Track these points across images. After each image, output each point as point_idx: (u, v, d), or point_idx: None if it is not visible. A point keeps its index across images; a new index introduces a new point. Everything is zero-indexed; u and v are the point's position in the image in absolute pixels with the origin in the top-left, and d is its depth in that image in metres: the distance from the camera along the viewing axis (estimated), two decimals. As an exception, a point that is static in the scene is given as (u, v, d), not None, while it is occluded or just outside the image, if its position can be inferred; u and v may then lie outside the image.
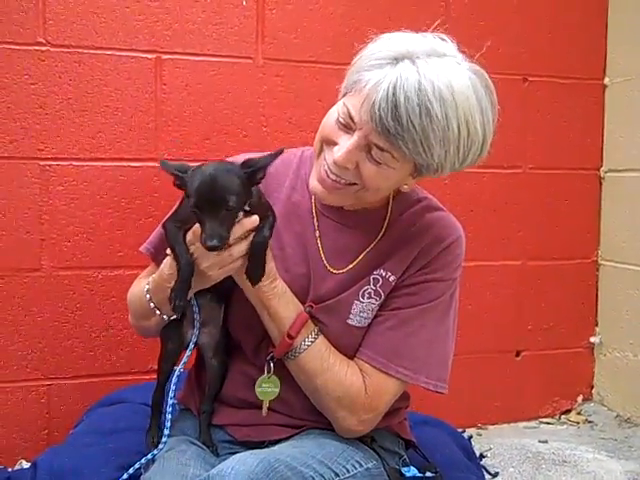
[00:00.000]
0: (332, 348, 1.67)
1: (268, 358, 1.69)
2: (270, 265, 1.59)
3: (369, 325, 1.70)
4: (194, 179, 1.47)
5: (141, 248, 1.83)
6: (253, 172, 1.50)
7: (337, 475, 1.57)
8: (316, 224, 1.74)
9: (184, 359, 1.72)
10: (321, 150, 1.62)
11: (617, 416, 3.27)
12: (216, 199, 1.44)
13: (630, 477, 2.66)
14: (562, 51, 3.17)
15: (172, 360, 1.78)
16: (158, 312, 1.67)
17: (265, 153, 1.54)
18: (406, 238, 1.71)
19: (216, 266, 1.54)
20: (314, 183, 1.62)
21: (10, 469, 2.41)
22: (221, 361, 1.79)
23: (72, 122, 2.47)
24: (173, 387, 1.71)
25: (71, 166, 2.48)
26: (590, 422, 3.27)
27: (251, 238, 1.54)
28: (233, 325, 1.77)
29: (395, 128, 1.44)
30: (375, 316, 1.70)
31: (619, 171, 3.29)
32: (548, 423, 3.27)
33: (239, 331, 1.76)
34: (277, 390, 1.69)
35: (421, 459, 1.88)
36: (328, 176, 1.58)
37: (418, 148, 1.47)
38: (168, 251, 1.60)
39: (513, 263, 3.17)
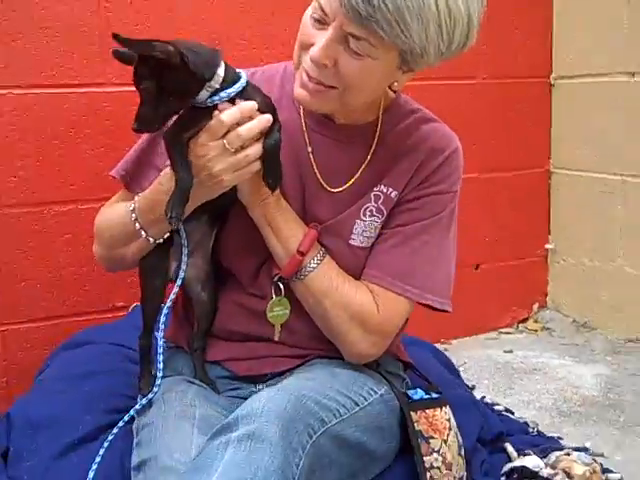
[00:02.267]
0: (339, 268, 1.60)
1: (275, 280, 1.61)
2: None
3: (372, 245, 1.64)
4: None
5: (112, 172, 1.69)
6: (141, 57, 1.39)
7: (357, 404, 1.52)
8: (307, 140, 1.63)
9: (172, 295, 1.60)
10: (299, 60, 1.51)
11: (574, 321, 3.35)
12: (135, 83, 1.41)
13: (601, 380, 2.74)
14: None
15: (159, 298, 1.64)
16: (144, 234, 1.54)
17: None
18: (403, 151, 1.63)
19: (231, 169, 1.44)
20: (297, 90, 1.52)
21: (-32, 421, 2.26)
22: (211, 293, 1.68)
23: (7, 46, 2.24)
24: (162, 326, 1.60)
25: (11, 95, 2.27)
26: (548, 329, 3.34)
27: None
28: (226, 251, 1.66)
29: (366, 10, 1.32)
30: (378, 235, 1.63)
31: (568, 77, 3.27)
32: (508, 333, 3.33)
33: (234, 257, 1.65)
34: (288, 312, 1.63)
35: (419, 380, 1.85)
36: (310, 80, 1.47)
37: (395, 29, 1.35)
38: (167, 162, 1.49)
39: (468, 176, 3.11)
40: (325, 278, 1.57)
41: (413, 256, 1.61)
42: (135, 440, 1.55)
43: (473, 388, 2.59)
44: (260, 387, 1.66)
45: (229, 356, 1.69)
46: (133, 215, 1.54)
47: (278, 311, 1.62)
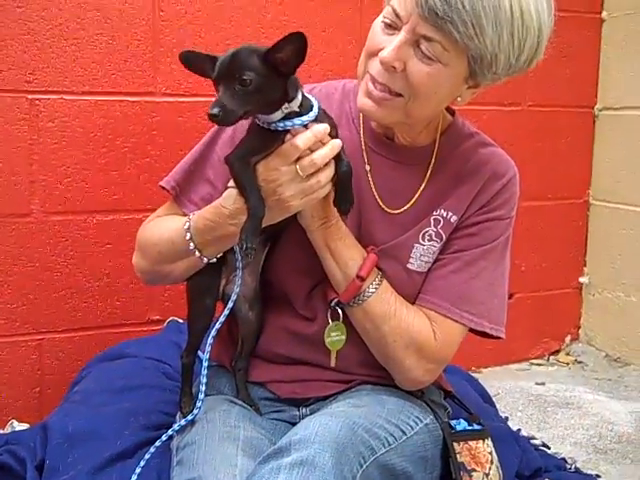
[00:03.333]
0: (396, 293, 1.58)
1: (333, 304, 1.58)
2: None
3: (428, 270, 1.62)
4: (220, 57, 1.38)
5: (162, 183, 1.66)
6: (274, 54, 1.35)
7: (404, 433, 1.50)
8: (366, 160, 1.62)
9: (223, 316, 1.56)
10: (365, 70, 1.50)
11: (606, 356, 3.30)
12: (231, 71, 1.34)
13: (636, 417, 2.68)
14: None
15: (208, 317, 1.61)
16: (198, 253, 1.51)
17: None
18: (463, 175, 1.61)
19: (301, 194, 1.42)
20: (362, 100, 1.50)
21: (0, 430, 2.24)
22: (259, 313, 1.66)
23: (63, 51, 2.25)
24: (209, 348, 1.56)
25: (62, 100, 2.27)
26: (579, 362, 3.29)
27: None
28: (279, 271, 1.63)
29: (443, 9, 1.33)
30: (436, 260, 1.61)
31: (613, 109, 3.25)
32: (539, 364, 3.28)
33: (287, 278, 1.62)
34: (344, 337, 1.60)
35: (458, 409, 1.82)
36: (375, 86, 1.46)
37: (469, 31, 1.35)
38: (230, 183, 1.46)
39: (508, 204, 3.11)
40: (384, 303, 1.55)
41: (471, 282, 1.59)
42: (176, 459, 1.52)
43: (507, 420, 2.55)
44: (303, 411, 1.64)
45: (272, 378, 1.66)
46: (188, 234, 1.51)
47: (335, 337, 1.60)
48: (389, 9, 1.44)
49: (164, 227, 1.61)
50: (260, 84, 1.35)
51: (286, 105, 1.39)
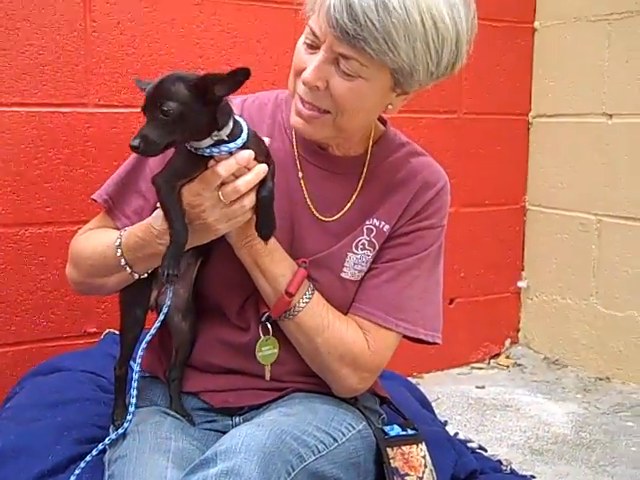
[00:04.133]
0: (328, 304, 1.59)
1: (263, 319, 1.59)
2: None
3: (362, 279, 1.63)
4: (149, 84, 1.37)
5: (94, 196, 1.64)
6: (206, 84, 1.32)
7: (335, 440, 1.50)
8: (300, 169, 1.63)
9: (157, 325, 1.54)
10: (294, 88, 1.51)
11: (545, 358, 3.37)
12: (154, 101, 1.32)
13: (572, 418, 2.74)
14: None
15: (139, 327, 1.61)
16: (129, 269, 1.51)
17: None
18: (394, 184, 1.63)
19: (224, 219, 1.42)
20: (294, 118, 1.52)
21: None
22: (192, 324, 1.65)
23: (-9, 62, 2.22)
24: (139, 359, 1.55)
25: (-9, 112, 2.24)
26: (519, 365, 3.35)
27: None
28: (212, 284, 1.63)
29: (353, 29, 1.35)
30: (370, 269, 1.63)
31: (547, 116, 3.32)
32: (480, 368, 3.34)
33: (219, 291, 1.62)
34: (277, 351, 1.60)
35: (395, 415, 1.84)
36: (304, 105, 1.48)
37: (382, 47, 1.37)
38: (158, 204, 1.45)
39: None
40: (315, 316, 1.56)
41: (404, 291, 1.61)
42: (107, 472, 1.51)
43: (445, 423, 2.57)
44: (237, 420, 1.63)
45: (205, 387, 1.65)
46: (119, 250, 1.50)
47: (266, 350, 1.60)
48: (308, 29, 1.46)
49: (97, 241, 1.59)
50: (184, 114, 1.32)
51: (215, 133, 1.38)
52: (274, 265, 1.54)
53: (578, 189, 3.21)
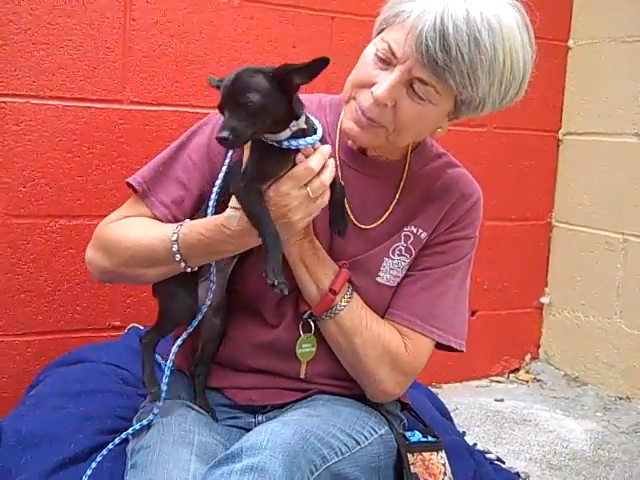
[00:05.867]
0: (367, 307, 1.62)
1: (305, 317, 1.61)
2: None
3: (398, 285, 1.66)
4: (224, 80, 1.37)
5: (129, 179, 1.63)
6: (285, 74, 1.34)
7: (358, 443, 1.51)
8: (340, 174, 1.62)
9: (194, 323, 1.58)
10: (350, 96, 1.53)
11: (565, 375, 3.35)
12: (235, 93, 1.33)
13: (591, 436, 2.73)
14: (530, 10, 3.13)
15: (190, 313, 1.59)
16: (183, 264, 1.50)
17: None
18: (432, 194, 1.66)
19: (307, 215, 1.44)
20: (349, 124, 1.53)
21: (-44, 432, 2.22)
22: (223, 320, 1.66)
23: (31, 55, 2.25)
24: (172, 357, 1.57)
25: (29, 104, 2.27)
26: (538, 381, 3.33)
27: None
28: (248, 281, 1.62)
29: (443, 59, 1.38)
30: (406, 276, 1.66)
31: (577, 134, 3.31)
32: (499, 382, 3.32)
33: (256, 288, 1.60)
34: (314, 349, 1.63)
35: (415, 422, 1.84)
36: (364, 116, 1.49)
37: (465, 80, 1.41)
38: (232, 203, 1.43)
39: (473, 223, 3.15)
40: (355, 316, 1.58)
41: (439, 299, 1.65)
42: (130, 462, 1.52)
43: (464, 434, 2.56)
44: (259, 418, 1.64)
45: (230, 384, 1.67)
46: (175, 245, 1.48)
47: (306, 348, 1.62)
48: (385, 45, 1.46)
49: (141, 231, 1.56)
50: (265, 104, 1.33)
51: (294, 123, 1.38)
52: (319, 264, 1.56)
53: (605, 207, 3.20)
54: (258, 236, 1.39)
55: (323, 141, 1.44)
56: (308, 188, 1.40)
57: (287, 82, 1.35)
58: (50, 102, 2.29)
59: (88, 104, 2.33)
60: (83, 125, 2.33)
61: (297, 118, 1.39)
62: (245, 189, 1.40)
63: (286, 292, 1.38)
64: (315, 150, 1.41)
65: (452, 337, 1.66)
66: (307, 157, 1.40)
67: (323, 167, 1.42)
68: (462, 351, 1.70)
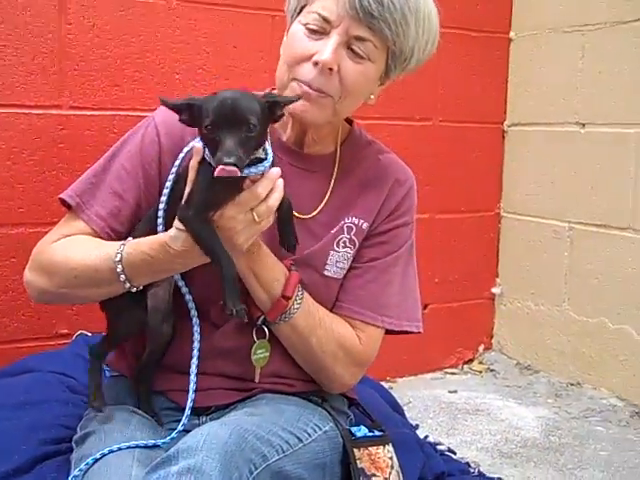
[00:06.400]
0: (316, 303, 1.63)
1: (259, 323, 1.61)
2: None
3: (345, 277, 1.69)
4: (211, 101, 1.35)
5: (63, 195, 1.61)
6: (274, 104, 1.40)
7: (300, 440, 1.51)
8: None
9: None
10: (289, 78, 1.56)
11: (517, 364, 3.40)
12: (237, 117, 1.32)
13: (542, 422, 2.77)
14: (471, 4, 3.17)
15: (137, 328, 1.60)
16: (128, 285, 1.48)
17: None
18: (367, 182, 1.71)
19: (252, 236, 1.45)
20: (297, 103, 1.51)
21: None
22: (170, 326, 1.62)
23: (-36, 63, 2.21)
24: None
25: (-36, 112, 2.23)
26: (492, 370, 3.37)
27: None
28: (193, 286, 1.59)
29: (377, 10, 1.48)
30: (352, 268, 1.69)
31: (522, 125, 3.36)
32: (453, 373, 3.36)
33: (201, 293, 1.59)
34: (268, 354, 1.63)
35: (363, 417, 1.85)
36: (311, 89, 1.53)
37: (398, 29, 1.50)
38: (176, 224, 1.41)
39: (421, 216, 3.16)
40: (309, 315, 1.60)
41: (386, 288, 1.69)
42: (73, 472, 1.50)
43: (417, 427, 2.58)
44: (204, 419, 1.63)
45: (173, 387, 1.65)
46: (119, 266, 1.47)
47: (260, 354, 1.63)
48: (314, 15, 1.52)
49: (83, 252, 1.53)
50: (261, 131, 1.36)
51: (260, 150, 1.40)
52: (268, 270, 1.56)
53: (551, 197, 3.25)
54: (213, 265, 1.40)
55: (273, 163, 1.43)
56: (254, 212, 1.40)
57: (274, 111, 1.40)
58: (-14, 109, 2.26)
59: (26, 110, 2.30)
60: (21, 132, 2.30)
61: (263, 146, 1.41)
62: (193, 219, 1.39)
63: (246, 319, 1.40)
64: (262, 175, 1.41)
65: (405, 322, 1.71)
66: (254, 182, 1.40)
67: (270, 191, 1.42)
68: (419, 332, 1.75)
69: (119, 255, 1.47)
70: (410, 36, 1.53)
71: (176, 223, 1.42)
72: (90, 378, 1.61)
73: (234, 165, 1.28)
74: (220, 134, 1.32)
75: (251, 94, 1.39)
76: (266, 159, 1.41)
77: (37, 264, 1.61)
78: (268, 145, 1.44)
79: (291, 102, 1.45)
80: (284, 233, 1.53)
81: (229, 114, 1.33)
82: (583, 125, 3.12)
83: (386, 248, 1.70)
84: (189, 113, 1.39)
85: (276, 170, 1.43)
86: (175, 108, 1.40)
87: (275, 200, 1.43)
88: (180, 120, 1.41)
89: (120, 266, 1.47)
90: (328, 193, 1.68)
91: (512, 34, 3.34)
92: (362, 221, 1.68)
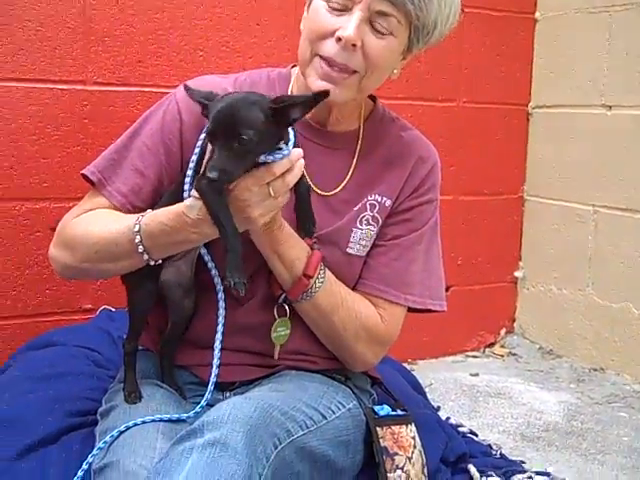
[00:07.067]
0: (340, 282, 1.63)
1: (280, 301, 1.61)
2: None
3: (368, 255, 1.68)
4: (215, 106, 1.33)
5: (85, 171, 1.62)
6: (283, 108, 1.34)
7: (324, 417, 1.51)
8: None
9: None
10: (311, 54, 1.53)
11: (540, 348, 3.37)
12: (231, 130, 1.30)
13: (564, 407, 2.75)
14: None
15: (151, 301, 1.59)
16: (146, 257, 1.48)
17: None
18: (391, 159, 1.69)
19: (268, 212, 1.42)
20: (318, 83, 1.52)
21: None
22: (192, 301, 1.63)
23: (-12, 37, 2.21)
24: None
25: (-10, 86, 2.23)
26: (514, 354, 3.35)
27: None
28: (218, 261, 1.56)
29: None
30: (375, 246, 1.68)
31: (547, 107, 3.32)
32: (474, 356, 3.34)
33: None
34: (289, 332, 1.63)
35: (386, 397, 1.85)
36: (333, 68, 1.51)
37: (420, 3, 1.49)
38: (194, 193, 1.40)
39: (445, 198, 3.13)
40: (330, 295, 1.59)
41: (411, 266, 1.68)
42: (98, 444, 1.51)
43: (438, 409, 2.57)
44: (228, 395, 1.64)
45: (198, 362, 1.65)
46: (138, 237, 1.46)
47: (281, 331, 1.63)
48: None
49: (102, 226, 1.54)
50: (259, 141, 1.32)
51: (279, 145, 1.38)
52: (290, 249, 1.55)
53: (575, 180, 3.21)
54: (220, 236, 1.39)
55: (295, 145, 1.42)
56: (270, 187, 1.39)
57: (284, 116, 1.35)
58: (12, 84, 2.26)
59: (50, 85, 2.31)
60: (46, 107, 2.31)
61: (285, 141, 1.39)
62: (208, 187, 1.37)
63: (243, 293, 1.37)
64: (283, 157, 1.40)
65: (429, 300, 1.70)
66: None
67: (289, 169, 1.40)
68: (443, 311, 1.74)
69: (137, 226, 1.47)
70: (432, 10, 1.51)
71: (193, 192, 1.42)
72: (126, 374, 1.61)
73: (214, 181, 1.29)
74: (215, 144, 1.32)
75: (256, 99, 1.35)
76: (285, 148, 1.39)
77: (60, 239, 1.62)
78: (291, 131, 1.42)
79: (306, 102, 1.37)
80: (301, 216, 1.52)
81: (223, 126, 1.31)
82: (609, 107, 3.07)
83: (410, 226, 1.69)
84: (204, 109, 1.39)
85: (298, 151, 1.42)
86: (196, 101, 1.41)
87: (292, 177, 1.41)
88: (202, 114, 1.41)
89: (139, 237, 1.46)
90: (351, 170, 1.67)
91: (537, 14, 3.30)
92: (385, 198, 1.67)
